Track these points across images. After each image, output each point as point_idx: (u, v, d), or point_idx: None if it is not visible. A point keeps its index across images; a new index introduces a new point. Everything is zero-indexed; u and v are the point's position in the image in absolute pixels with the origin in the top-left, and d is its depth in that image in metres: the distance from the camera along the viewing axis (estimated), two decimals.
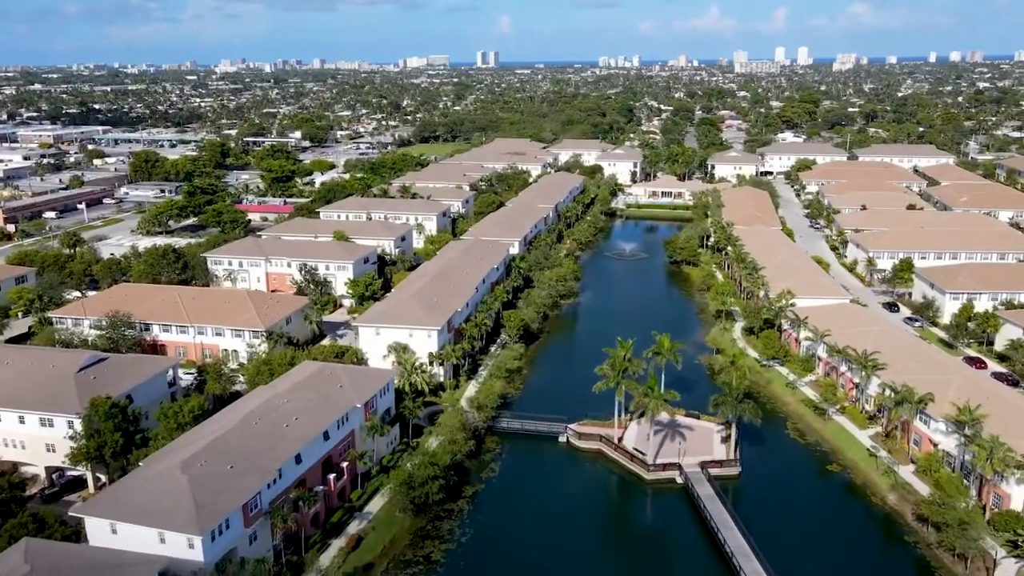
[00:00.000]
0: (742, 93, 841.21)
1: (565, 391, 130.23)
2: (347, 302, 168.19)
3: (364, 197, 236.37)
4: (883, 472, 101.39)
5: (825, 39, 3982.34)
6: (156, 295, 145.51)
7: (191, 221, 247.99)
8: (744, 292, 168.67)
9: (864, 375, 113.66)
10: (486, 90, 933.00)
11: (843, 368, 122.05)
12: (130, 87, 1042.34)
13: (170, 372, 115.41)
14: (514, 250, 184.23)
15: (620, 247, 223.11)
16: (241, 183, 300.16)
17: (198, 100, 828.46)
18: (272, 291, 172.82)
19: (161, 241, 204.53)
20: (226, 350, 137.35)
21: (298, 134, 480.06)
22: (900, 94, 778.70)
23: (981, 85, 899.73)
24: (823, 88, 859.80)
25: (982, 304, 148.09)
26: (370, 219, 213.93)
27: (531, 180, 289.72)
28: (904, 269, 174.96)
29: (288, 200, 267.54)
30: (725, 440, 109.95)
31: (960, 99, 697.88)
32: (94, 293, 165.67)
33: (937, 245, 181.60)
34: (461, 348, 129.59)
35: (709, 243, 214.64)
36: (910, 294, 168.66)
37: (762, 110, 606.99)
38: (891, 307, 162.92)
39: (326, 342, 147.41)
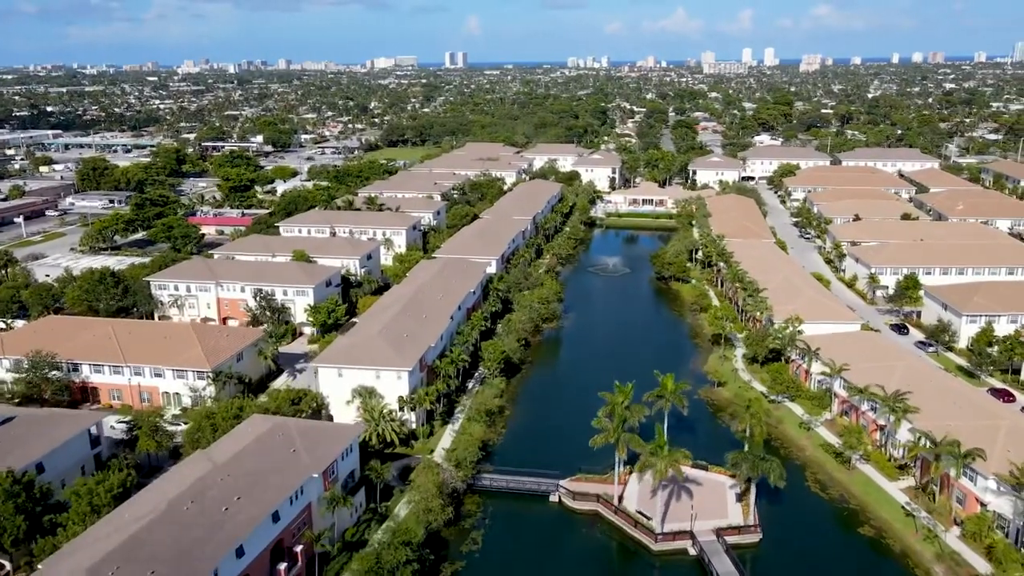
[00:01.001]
0: (713, 94, 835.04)
1: (553, 435, 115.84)
2: (308, 330, 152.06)
3: (328, 210, 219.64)
4: (924, 537, 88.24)
5: (791, 40, 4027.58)
6: (88, 329, 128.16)
7: (140, 235, 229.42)
8: (742, 314, 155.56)
9: (894, 420, 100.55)
10: (455, 91, 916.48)
11: (865, 407, 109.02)
12: (87, 88, 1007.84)
13: (95, 427, 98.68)
14: (491, 269, 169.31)
15: (603, 261, 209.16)
16: (197, 193, 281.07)
17: (158, 102, 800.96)
18: (224, 319, 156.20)
19: (104, 260, 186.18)
20: (167, 393, 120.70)
21: (260, 138, 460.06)
22: (870, 95, 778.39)
23: (948, 86, 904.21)
24: (792, 89, 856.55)
25: (1002, 327, 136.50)
26: (334, 235, 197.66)
27: (506, 188, 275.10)
28: (910, 286, 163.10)
29: (247, 211, 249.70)
30: (741, 498, 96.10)
31: (931, 100, 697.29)
32: (22, 323, 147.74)
33: (943, 260, 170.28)
34: (435, 389, 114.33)
35: (697, 256, 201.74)
36: (918, 314, 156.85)
37: (735, 112, 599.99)
38: (900, 329, 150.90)
39: (283, 379, 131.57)
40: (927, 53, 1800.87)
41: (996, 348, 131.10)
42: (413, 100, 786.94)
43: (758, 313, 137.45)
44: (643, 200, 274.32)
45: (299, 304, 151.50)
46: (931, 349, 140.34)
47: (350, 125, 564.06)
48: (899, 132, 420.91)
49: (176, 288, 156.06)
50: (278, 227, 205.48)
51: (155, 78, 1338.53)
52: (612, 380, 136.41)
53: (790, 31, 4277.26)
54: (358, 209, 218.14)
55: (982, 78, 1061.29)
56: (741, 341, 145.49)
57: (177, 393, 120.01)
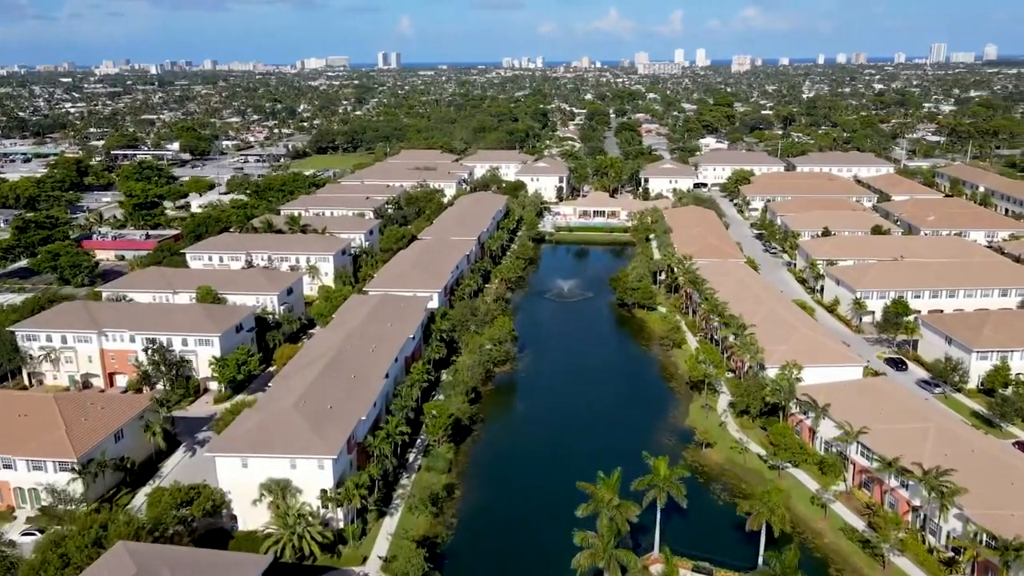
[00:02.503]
0: (652, 95, 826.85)
1: (517, 524, 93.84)
2: (214, 385, 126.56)
3: (244, 232, 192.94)
4: None
5: (720, 41, 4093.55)
6: None
7: (22, 263, 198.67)
8: (723, 350, 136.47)
9: (941, 510, 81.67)
10: (389, 93, 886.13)
11: (893, 483, 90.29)
12: None
13: None
14: (433, 304, 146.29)
15: (557, 285, 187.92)
16: (96, 212, 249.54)
17: (69, 105, 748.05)
18: (110, 375, 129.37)
19: None
20: (20, 489, 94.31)
21: (177, 145, 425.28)
22: (805, 95, 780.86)
23: (877, 87, 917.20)
24: (729, 90, 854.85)
25: (1016, 364, 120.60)
26: (250, 264, 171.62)
27: (446, 200, 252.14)
28: (899, 312, 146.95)
29: (152, 233, 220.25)
30: None
31: (864, 101, 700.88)
32: None
33: (931, 281, 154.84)
34: (367, 475, 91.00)
35: (662, 279, 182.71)
36: (912, 344, 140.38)
37: (676, 113, 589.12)
38: (897, 365, 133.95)
39: (178, 458, 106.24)
40: (851, 54, 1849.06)
41: (1012, 389, 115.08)
42: (345, 102, 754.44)
43: (749, 357, 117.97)
44: (594, 212, 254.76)
45: (203, 355, 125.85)
46: (938, 390, 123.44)
47: (276, 130, 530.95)
48: (845, 135, 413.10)
49: (49, 339, 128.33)
50: (184, 254, 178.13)
51: (69, 79, 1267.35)
52: (577, 440, 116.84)
53: (719, 32, 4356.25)
54: (279, 231, 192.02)
55: (907, 79, 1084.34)
56: (724, 385, 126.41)
57: (34, 488, 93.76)
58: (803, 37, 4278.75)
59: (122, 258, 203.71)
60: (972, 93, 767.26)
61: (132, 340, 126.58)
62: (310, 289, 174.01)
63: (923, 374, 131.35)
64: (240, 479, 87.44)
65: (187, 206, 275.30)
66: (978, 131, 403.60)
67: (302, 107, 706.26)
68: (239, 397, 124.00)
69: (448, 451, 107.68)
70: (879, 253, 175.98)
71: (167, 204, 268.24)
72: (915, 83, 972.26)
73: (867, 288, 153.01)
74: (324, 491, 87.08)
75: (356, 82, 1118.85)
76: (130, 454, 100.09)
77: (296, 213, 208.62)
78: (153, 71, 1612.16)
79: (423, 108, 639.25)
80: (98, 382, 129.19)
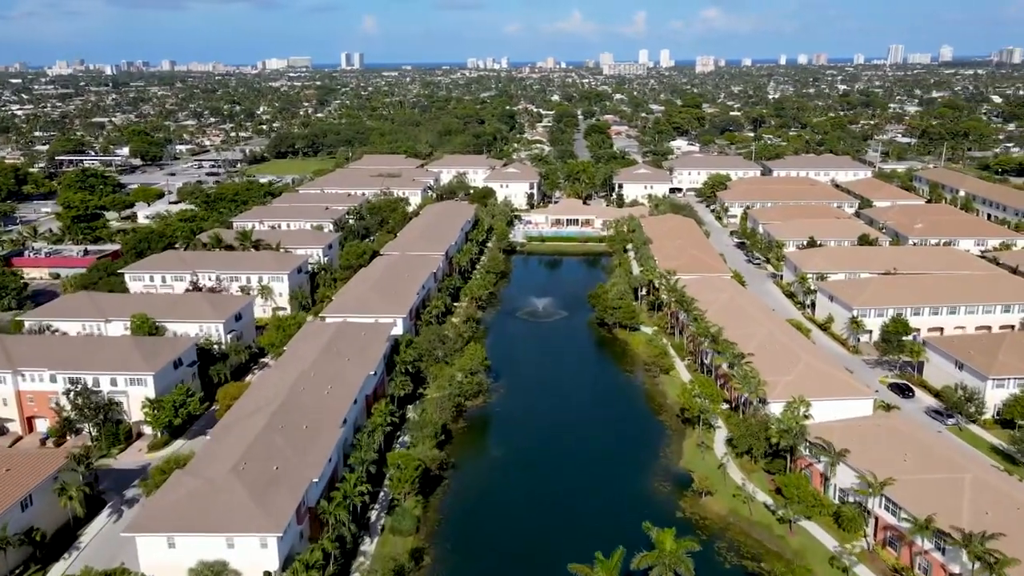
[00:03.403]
0: (619, 96, 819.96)
1: None
2: (148, 430, 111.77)
3: (190, 249, 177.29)
4: None
5: (684, 42, 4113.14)
6: None
7: None
8: (715, 376, 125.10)
9: None
10: (352, 94, 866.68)
11: (927, 545, 79.13)
12: None
13: None
14: (397, 330, 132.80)
15: (531, 303, 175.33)
16: (31, 225, 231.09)
17: (16, 107, 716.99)
18: (28, 419, 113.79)
19: None
20: None
21: (126, 150, 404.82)
22: (771, 96, 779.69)
23: (841, 87, 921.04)
24: (695, 91, 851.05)
25: None
26: (195, 287, 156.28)
27: (411, 210, 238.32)
28: (898, 331, 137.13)
29: (91, 249, 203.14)
30: None
31: (831, 102, 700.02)
32: None
33: (931, 297, 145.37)
34: (321, 550, 77.46)
35: (643, 294, 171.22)
36: (915, 367, 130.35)
37: (645, 115, 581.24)
38: (903, 391, 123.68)
39: (101, 523, 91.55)
40: (812, 54, 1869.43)
41: None
42: (306, 104, 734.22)
43: (751, 393, 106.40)
44: (567, 220, 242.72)
45: (135, 396, 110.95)
46: (951, 421, 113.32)
47: (233, 134, 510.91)
48: (818, 137, 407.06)
49: None
50: (123, 274, 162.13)
51: (19, 80, 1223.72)
52: (561, 488, 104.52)
53: (682, 33, 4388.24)
54: (229, 247, 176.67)
55: (868, 79, 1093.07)
56: (720, 419, 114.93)
57: None
58: (765, 38, 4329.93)
59: (57, 277, 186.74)
60: (935, 94, 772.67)
61: (53, 380, 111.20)
62: (263, 311, 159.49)
63: (931, 401, 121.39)
64: (166, 562, 73.50)
65: (134, 217, 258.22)
66: (949, 133, 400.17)
67: (261, 109, 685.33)
68: (178, 443, 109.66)
69: (415, 506, 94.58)
70: (871, 265, 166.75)
71: (111, 215, 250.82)
72: (877, 84, 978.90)
73: (864, 305, 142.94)
74: (268, 574, 73.45)
75: (318, 83, 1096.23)
76: (41, 524, 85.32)
77: (248, 227, 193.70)
78: (108, 72, 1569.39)
79: (387, 110, 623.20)
80: (15, 427, 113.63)
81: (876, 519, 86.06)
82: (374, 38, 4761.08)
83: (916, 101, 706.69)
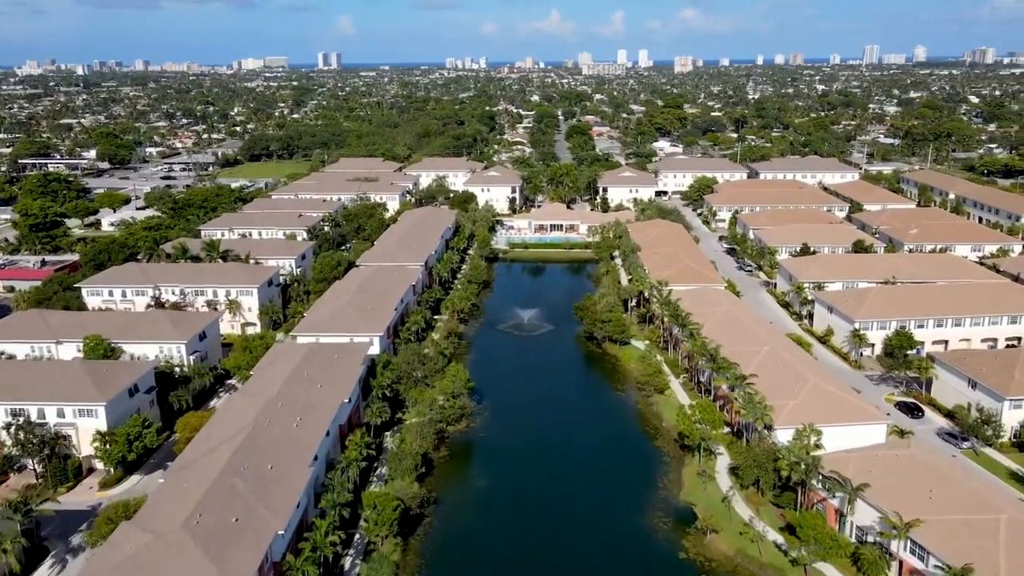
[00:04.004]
0: (599, 96, 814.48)
1: None
2: (100, 465, 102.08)
3: (153, 261, 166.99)
4: None
5: (661, 42, 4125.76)
6: None
7: None
8: (714, 396, 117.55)
9: None
10: (329, 95, 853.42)
11: None
12: None
13: None
14: (374, 349, 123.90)
15: (515, 315, 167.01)
16: None
17: None
18: None
19: None
20: None
21: (93, 153, 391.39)
22: (750, 96, 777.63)
23: (819, 87, 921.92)
24: (675, 91, 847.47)
25: None
26: (157, 302, 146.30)
27: (388, 216, 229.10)
28: (902, 345, 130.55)
29: (50, 259, 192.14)
30: None
31: (811, 102, 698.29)
32: None
33: (935, 308, 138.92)
34: None
35: (632, 304, 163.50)
36: (923, 384, 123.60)
37: (626, 115, 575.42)
38: (912, 411, 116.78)
39: (45, 572, 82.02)
40: (788, 55, 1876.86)
41: None
42: (281, 105, 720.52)
43: (756, 419, 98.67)
44: (551, 226, 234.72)
45: (85, 429, 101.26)
46: (965, 444, 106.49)
47: (205, 135, 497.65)
48: (802, 139, 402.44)
49: None
50: (79, 289, 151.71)
51: None
52: (552, 525, 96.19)
53: (660, 33, 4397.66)
54: (195, 258, 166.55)
55: (846, 79, 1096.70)
56: (721, 444, 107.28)
57: None
58: (742, 38, 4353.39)
59: (12, 290, 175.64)
60: (912, 94, 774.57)
61: None
62: (231, 327, 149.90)
63: (942, 422, 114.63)
64: None
65: (97, 224, 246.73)
66: (932, 134, 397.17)
67: (236, 110, 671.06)
68: (133, 480, 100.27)
69: (394, 550, 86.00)
70: (869, 274, 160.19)
71: (74, 223, 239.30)
72: (855, 84, 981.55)
73: (866, 318, 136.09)
74: None
75: (295, 83, 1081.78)
76: None
77: (217, 236, 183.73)
78: (80, 72, 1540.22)
79: (364, 111, 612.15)
80: None
81: (901, 563, 78.64)
82: (351, 38, 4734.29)
83: (895, 101, 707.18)
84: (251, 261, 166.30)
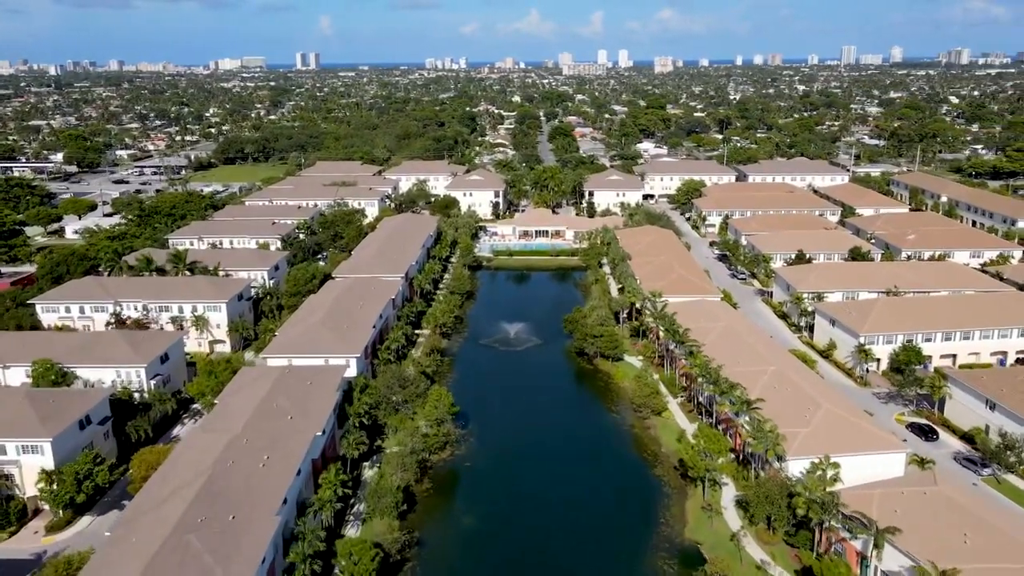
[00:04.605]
0: (580, 96, 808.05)
1: None
2: (48, 508, 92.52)
3: (115, 274, 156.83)
4: None
5: (641, 42, 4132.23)
6: None
7: None
8: (715, 418, 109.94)
9: None
10: (307, 95, 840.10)
11: None
12: None
13: None
14: (350, 371, 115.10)
15: (501, 329, 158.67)
16: None
17: None
18: None
19: None
20: None
21: (61, 156, 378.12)
22: (732, 97, 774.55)
23: (800, 87, 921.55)
24: (657, 91, 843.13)
25: None
26: (118, 319, 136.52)
27: (367, 222, 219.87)
28: (910, 360, 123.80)
29: (5, 271, 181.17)
30: None
31: (792, 103, 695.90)
32: None
33: (942, 321, 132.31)
34: None
35: (624, 316, 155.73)
36: (934, 403, 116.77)
37: (608, 115, 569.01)
38: (926, 434, 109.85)
39: None
40: (767, 55, 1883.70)
41: None
42: (258, 106, 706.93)
43: (767, 451, 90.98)
44: (536, 231, 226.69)
45: (30, 467, 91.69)
46: (986, 471, 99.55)
47: (178, 137, 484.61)
48: (787, 140, 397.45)
49: None
50: (33, 305, 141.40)
51: None
52: (549, 572, 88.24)
53: (639, 33, 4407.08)
54: (160, 270, 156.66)
55: (825, 80, 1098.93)
56: (728, 475, 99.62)
57: None
58: (720, 39, 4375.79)
59: None
60: (892, 94, 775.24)
61: None
62: (198, 344, 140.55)
63: (957, 444, 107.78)
64: None
65: (61, 232, 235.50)
66: (918, 135, 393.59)
67: (211, 111, 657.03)
68: (84, 521, 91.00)
69: None
70: (869, 284, 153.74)
71: (35, 231, 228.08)
72: (835, 84, 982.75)
73: (872, 331, 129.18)
74: None
75: (272, 84, 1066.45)
76: None
77: (185, 246, 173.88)
78: (52, 72, 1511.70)
79: (343, 112, 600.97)
80: None
81: None
82: (330, 38, 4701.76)
83: (876, 101, 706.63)
84: (220, 273, 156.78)
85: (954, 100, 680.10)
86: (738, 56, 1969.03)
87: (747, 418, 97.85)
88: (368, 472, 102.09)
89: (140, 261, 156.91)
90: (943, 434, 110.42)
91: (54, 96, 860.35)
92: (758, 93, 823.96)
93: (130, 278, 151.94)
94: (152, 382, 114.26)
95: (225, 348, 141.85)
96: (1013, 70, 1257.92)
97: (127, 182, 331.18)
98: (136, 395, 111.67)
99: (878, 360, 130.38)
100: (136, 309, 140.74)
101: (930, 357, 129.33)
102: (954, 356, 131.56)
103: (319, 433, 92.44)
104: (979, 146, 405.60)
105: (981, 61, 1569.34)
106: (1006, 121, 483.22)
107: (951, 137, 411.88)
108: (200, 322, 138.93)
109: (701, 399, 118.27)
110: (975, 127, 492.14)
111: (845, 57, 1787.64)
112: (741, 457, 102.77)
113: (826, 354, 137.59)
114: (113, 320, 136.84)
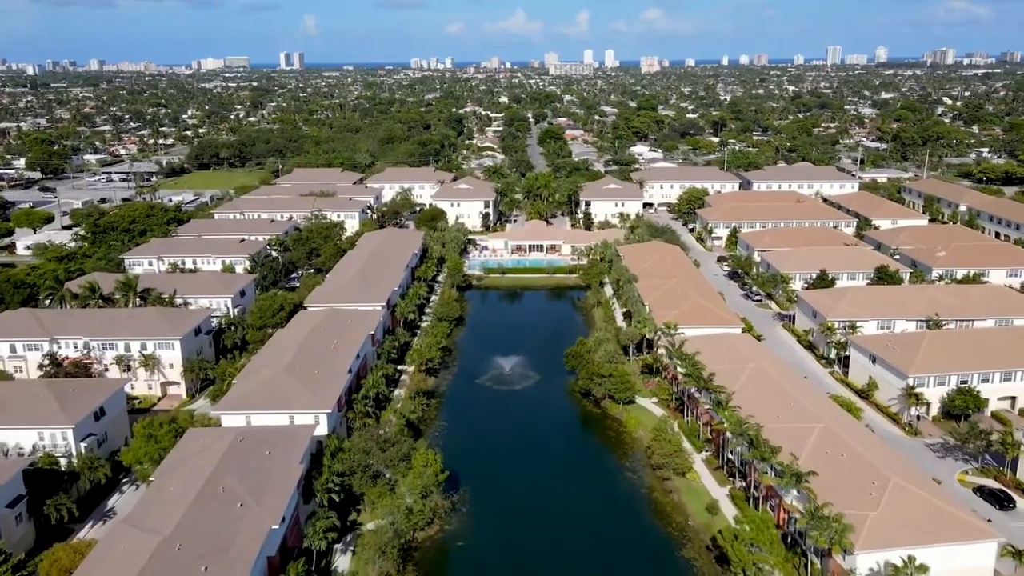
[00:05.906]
0: (568, 97, 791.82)
1: None
2: None
3: (55, 305, 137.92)
4: None
5: (627, 42, 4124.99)
6: None
7: None
8: (750, 481, 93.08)
9: None
10: (289, 96, 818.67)
11: None
12: None
13: None
14: (321, 430, 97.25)
15: (496, 363, 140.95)
16: None
17: None
18: None
19: None
20: None
21: (22, 161, 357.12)
22: (722, 98, 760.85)
23: (789, 88, 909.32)
24: (645, 91, 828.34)
25: None
26: (53, 360, 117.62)
27: (346, 236, 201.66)
28: (966, 404, 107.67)
29: None
30: None
31: (784, 104, 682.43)
32: None
33: (999, 358, 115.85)
34: None
35: (633, 348, 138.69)
36: (1010, 464, 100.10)
37: (598, 117, 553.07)
38: (1000, 502, 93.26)
39: None
40: (753, 55, 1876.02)
41: None
42: (239, 107, 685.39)
43: (826, 543, 73.96)
44: (530, 246, 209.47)
45: None
46: None
47: (150, 141, 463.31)
48: (788, 144, 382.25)
49: None
50: None
51: None
52: None
53: (625, 33, 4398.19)
54: (108, 298, 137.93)
55: (813, 80, 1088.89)
56: (777, 567, 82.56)
57: None
58: (706, 39, 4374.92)
59: None
60: (883, 95, 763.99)
61: None
62: (148, 387, 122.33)
63: None
64: None
65: (12, 248, 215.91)
66: (921, 138, 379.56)
67: (189, 112, 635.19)
68: None
69: None
70: (906, 311, 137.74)
71: None
72: (824, 84, 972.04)
73: (922, 372, 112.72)
74: None
75: (255, 84, 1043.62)
76: None
77: (143, 267, 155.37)
78: (30, 72, 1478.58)
79: (325, 114, 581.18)
80: None
81: None
82: (315, 38, 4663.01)
83: (868, 102, 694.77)
84: (178, 302, 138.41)
85: (947, 101, 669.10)
86: (724, 56, 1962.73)
87: (796, 492, 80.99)
88: (340, 559, 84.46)
89: (84, 288, 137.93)
90: (1020, 500, 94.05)
91: (28, 97, 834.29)
92: (748, 94, 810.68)
93: (72, 310, 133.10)
94: (83, 444, 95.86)
95: (180, 391, 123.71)
96: (999, 70, 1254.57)
97: (147, 181, 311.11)
98: (63, 460, 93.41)
99: (928, 404, 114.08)
100: (76, 347, 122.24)
101: (987, 400, 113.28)
102: (1013, 399, 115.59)
103: (276, 526, 74.48)
104: (984, 149, 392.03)
105: (966, 61, 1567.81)
106: (1005, 123, 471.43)
107: (955, 140, 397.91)
108: (150, 362, 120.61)
109: (730, 455, 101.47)
110: (975, 129, 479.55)
111: (830, 57, 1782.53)
112: (788, 537, 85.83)
113: (865, 394, 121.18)
114: (48, 361, 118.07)
